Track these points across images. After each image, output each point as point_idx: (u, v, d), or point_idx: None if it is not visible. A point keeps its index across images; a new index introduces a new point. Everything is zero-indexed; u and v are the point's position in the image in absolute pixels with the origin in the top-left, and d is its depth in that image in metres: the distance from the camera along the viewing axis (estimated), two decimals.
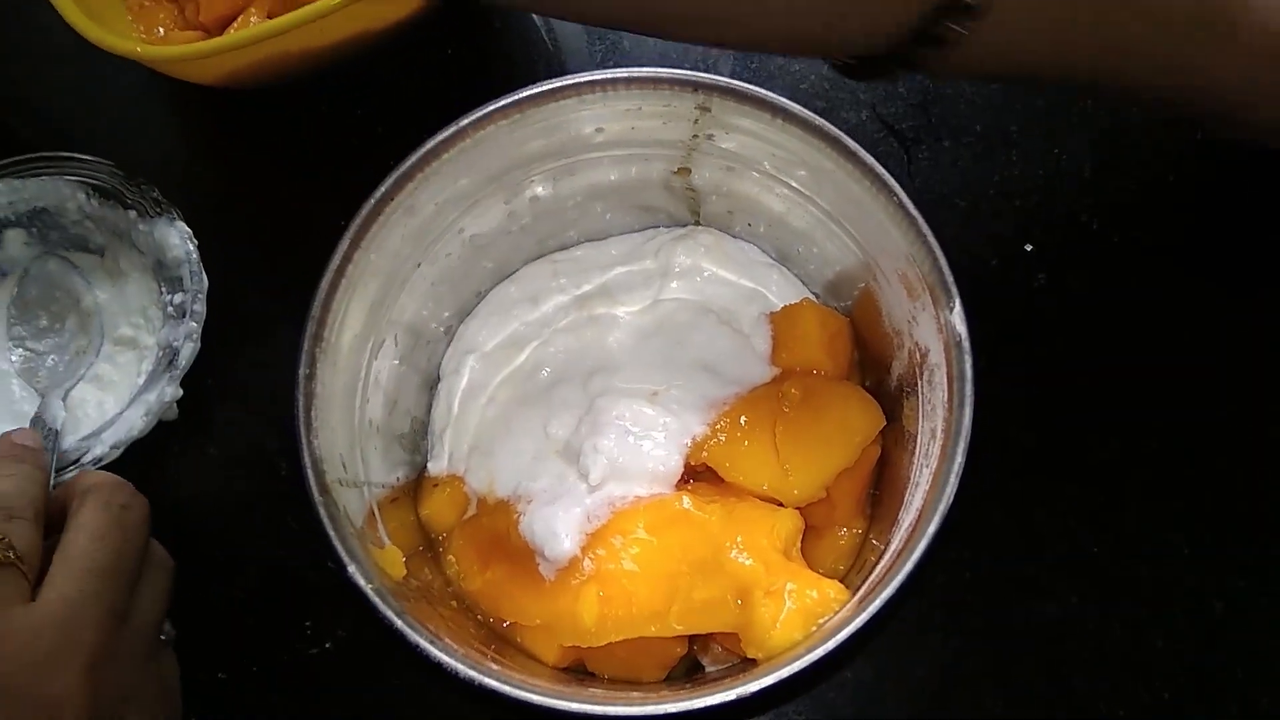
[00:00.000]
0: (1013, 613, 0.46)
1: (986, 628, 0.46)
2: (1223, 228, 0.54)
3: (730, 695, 0.33)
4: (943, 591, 0.47)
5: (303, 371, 0.38)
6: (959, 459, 0.35)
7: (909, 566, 0.34)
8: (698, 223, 0.49)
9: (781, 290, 0.47)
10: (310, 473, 0.36)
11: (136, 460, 0.46)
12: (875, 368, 0.46)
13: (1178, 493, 0.48)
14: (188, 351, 0.47)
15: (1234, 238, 0.54)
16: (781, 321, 0.46)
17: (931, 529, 0.34)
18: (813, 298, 0.47)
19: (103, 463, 0.46)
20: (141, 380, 0.49)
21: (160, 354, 0.49)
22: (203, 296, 0.48)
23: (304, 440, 0.37)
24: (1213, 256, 0.53)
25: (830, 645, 0.33)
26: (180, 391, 0.47)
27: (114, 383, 0.50)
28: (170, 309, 0.49)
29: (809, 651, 0.34)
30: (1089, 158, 0.55)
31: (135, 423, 0.46)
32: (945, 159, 0.57)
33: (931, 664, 0.46)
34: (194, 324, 0.48)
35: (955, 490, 0.34)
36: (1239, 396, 0.50)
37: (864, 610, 0.34)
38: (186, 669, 0.43)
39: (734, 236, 0.49)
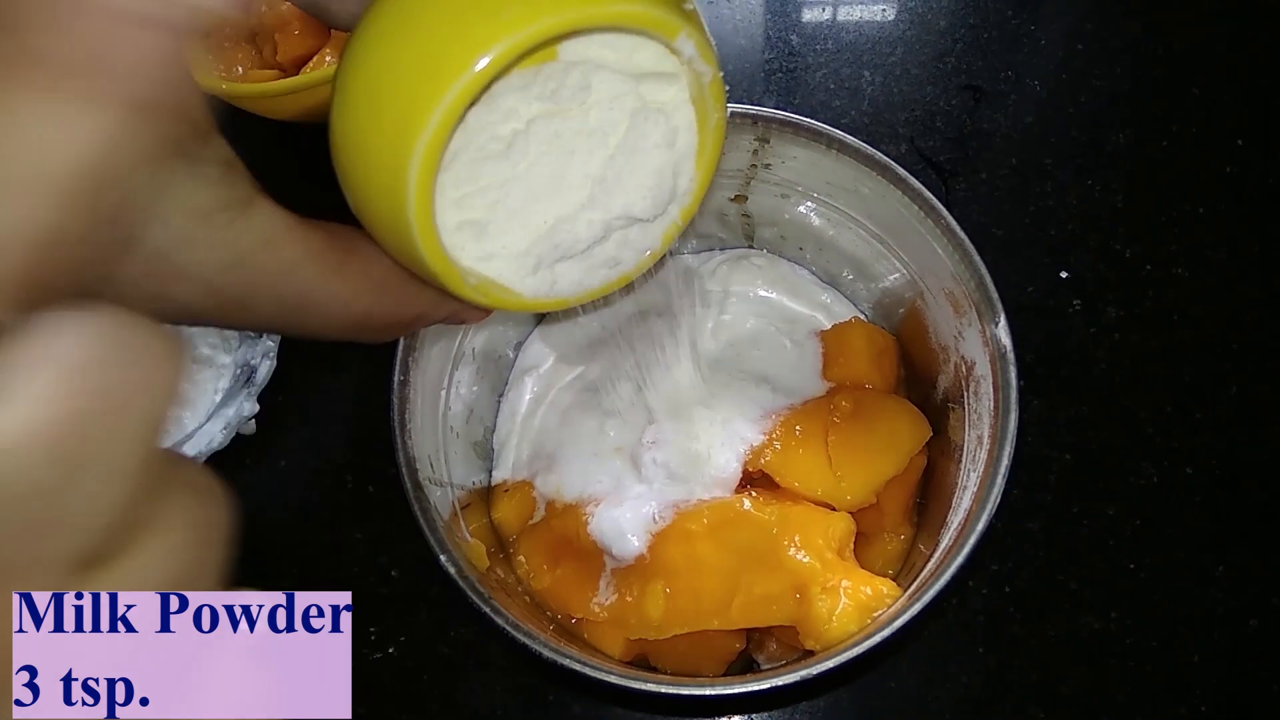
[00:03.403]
0: (1054, 626, 0.47)
1: (1028, 640, 0.47)
2: (1253, 257, 0.56)
3: (795, 677, 0.35)
4: (985, 603, 0.48)
5: (398, 378, 0.40)
6: (1005, 461, 0.37)
7: (960, 559, 0.36)
8: (751, 246, 0.52)
9: (831, 310, 0.49)
10: (405, 470, 0.38)
11: (215, 471, 0.49)
12: (921, 383, 0.48)
13: (1212, 515, 0.48)
14: (265, 369, 0.49)
15: (1263, 267, 0.55)
16: (832, 339, 0.48)
17: (980, 525, 0.36)
18: (861, 317, 0.49)
19: None
20: (219, 397, 0.50)
21: (238, 371, 0.50)
22: None
23: (399, 439, 0.39)
24: (1244, 283, 0.54)
25: (886, 633, 0.35)
26: (257, 407, 0.49)
27: (193, 400, 0.52)
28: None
29: (865, 639, 0.35)
30: (1121, 189, 0.57)
31: (215, 436, 0.47)
32: (982, 190, 0.59)
33: (974, 674, 0.46)
34: (270, 343, 0.50)
35: (1003, 490, 0.36)
36: (1275, 421, 0.51)
37: (916, 602, 0.36)
38: None
39: (786, 260, 0.51)
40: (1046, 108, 0.60)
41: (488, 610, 0.36)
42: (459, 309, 0.29)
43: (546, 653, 0.35)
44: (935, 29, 0.65)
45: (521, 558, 0.45)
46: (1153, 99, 0.59)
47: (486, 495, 0.48)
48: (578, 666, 0.35)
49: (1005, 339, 0.38)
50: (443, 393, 0.45)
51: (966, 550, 0.36)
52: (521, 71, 0.25)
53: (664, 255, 0.30)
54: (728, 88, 0.26)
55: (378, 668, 0.46)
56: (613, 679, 0.35)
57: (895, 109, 0.61)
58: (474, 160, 0.26)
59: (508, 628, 0.36)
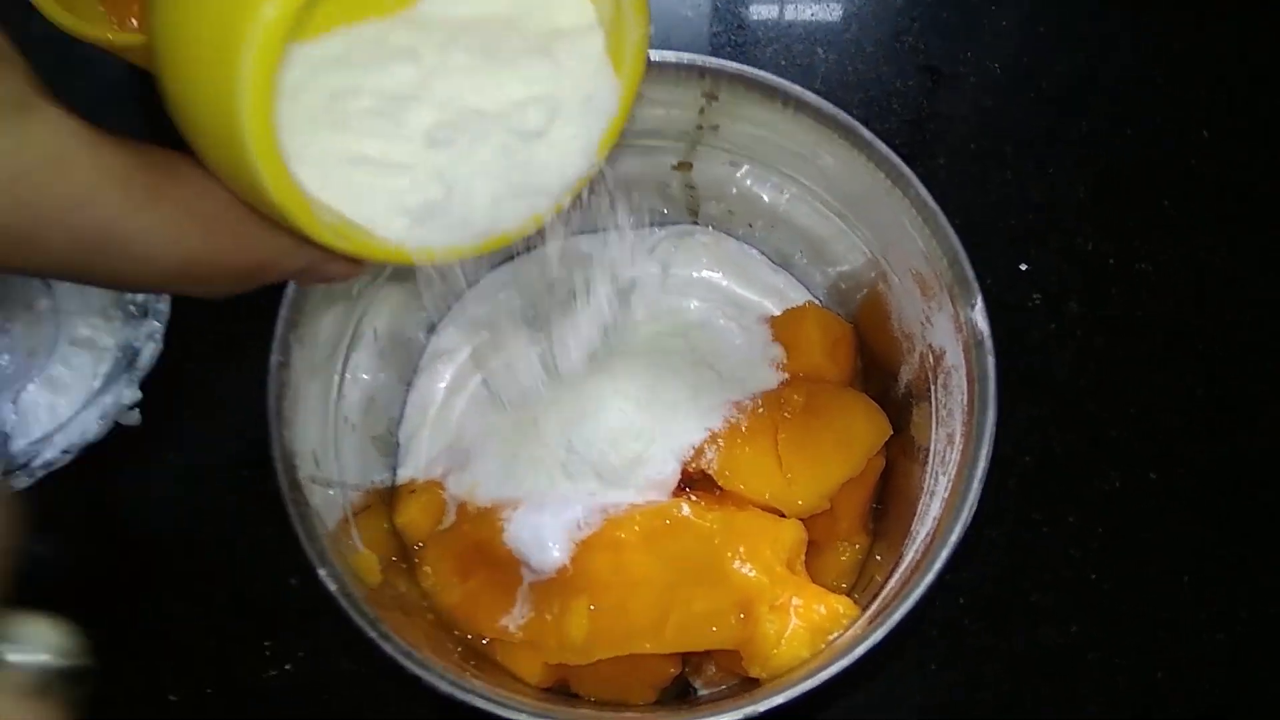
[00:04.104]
0: (1013, 640, 0.46)
1: (986, 654, 0.46)
2: (1220, 254, 0.54)
3: (737, 716, 0.30)
4: (941, 615, 0.46)
5: (276, 359, 0.35)
6: (982, 464, 0.33)
7: (929, 578, 0.32)
8: (696, 222, 0.48)
9: (783, 294, 0.47)
10: (280, 466, 0.34)
11: (94, 467, 0.45)
12: (880, 375, 0.45)
13: (1179, 522, 0.48)
14: (149, 352, 0.45)
15: (1232, 264, 0.54)
16: (783, 326, 0.45)
17: (953, 537, 0.33)
18: (815, 302, 0.46)
19: (54, 467, 0.44)
20: (98, 383, 0.47)
21: (119, 355, 0.47)
22: (167, 296, 0.46)
23: (275, 431, 0.34)
24: (1211, 281, 0.53)
25: (845, 663, 0.31)
26: (139, 395, 0.45)
27: (68, 385, 0.48)
28: (132, 307, 0.47)
29: (821, 669, 0.32)
30: (1084, 179, 0.55)
31: (90, 426, 0.44)
32: (940, 176, 0.56)
33: (930, 692, 0.45)
34: (156, 323, 0.46)
35: (979, 496, 0.33)
36: (1242, 425, 0.50)
37: (880, 625, 0.32)
38: (136, 689, 0.41)
39: (734, 238, 0.48)
40: (1007, 92, 0.58)
41: (374, 635, 0.32)
42: (318, 260, 0.25)
43: (444, 686, 0.31)
44: (892, 6, 0.62)
45: (428, 569, 0.42)
46: (1117, 87, 0.58)
47: (390, 497, 0.44)
48: (480, 703, 0.30)
49: (982, 324, 0.34)
50: (335, 378, 0.40)
51: (938, 566, 0.32)
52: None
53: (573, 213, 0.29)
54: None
55: (272, 687, 0.44)
56: (521, 717, 0.30)
57: (849, 89, 0.59)
58: (328, 85, 0.23)
59: (398, 656, 0.31)
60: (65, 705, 0.22)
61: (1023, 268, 0.54)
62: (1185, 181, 0.55)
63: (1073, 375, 0.50)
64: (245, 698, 0.44)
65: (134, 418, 0.46)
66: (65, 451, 0.44)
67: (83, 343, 0.49)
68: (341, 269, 0.27)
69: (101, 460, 0.45)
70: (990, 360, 0.34)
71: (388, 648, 0.32)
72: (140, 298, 0.47)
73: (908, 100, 0.60)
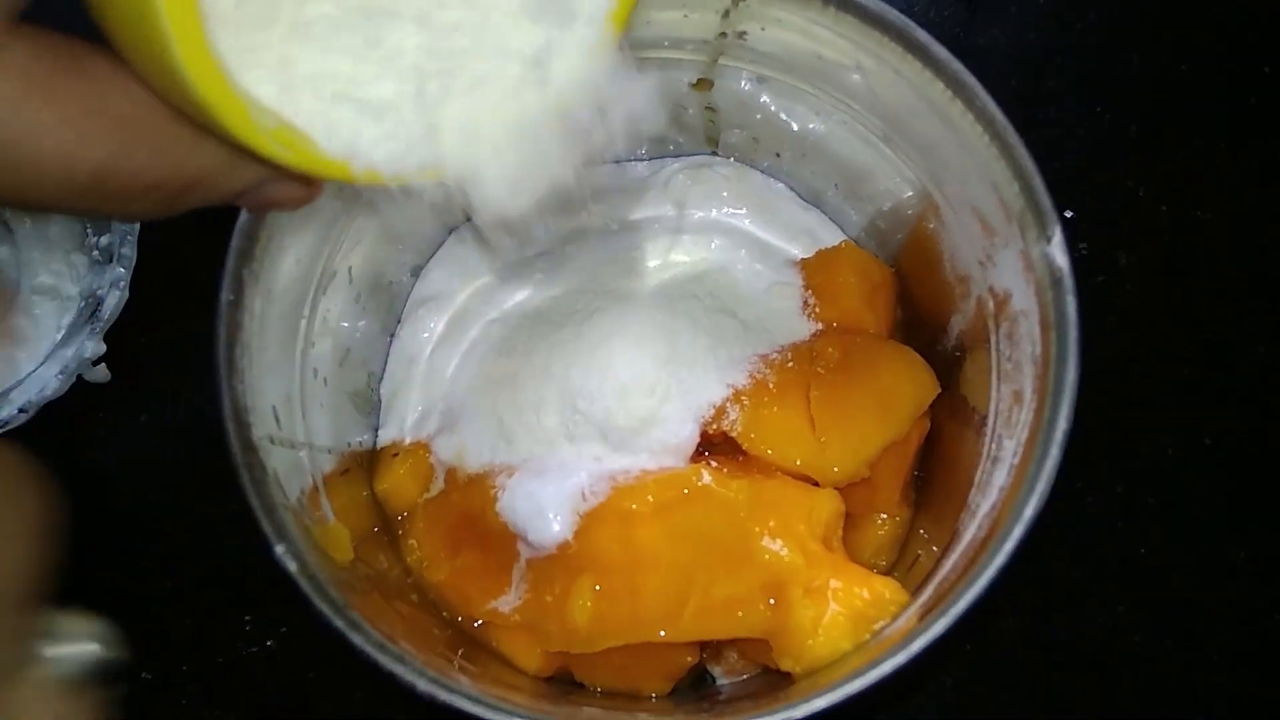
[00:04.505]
0: (1053, 620, 0.44)
1: (1023, 636, 0.44)
2: None
3: None
4: None
5: (226, 297, 0.31)
6: (1062, 424, 0.29)
7: (1000, 558, 0.28)
8: (715, 153, 0.44)
9: (815, 234, 0.43)
10: (230, 423, 0.30)
11: (56, 426, 0.44)
12: (925, 327, 0.41)
13: (1235, 494, 0.46)
14: (113, 301, 0.43)
15: None
16: (815, 270, 0.42)
17: (1028, 511, 0.28)
18: (851, 242, 0.43)
19: (8, 427, 0.42)
20: (61, 335, 0.45)
21: (83, 305, 0.45)
22: (133, 238, 0.43)
23: (224, 382, 0.30)
24: (1273, 228, 0.50)
25: (899, 659, 0.27)
26: (103, 347, 0.43)
27: (29, 338, 0.46)
28: (96, 252, 0.45)
29: (871, 667, 0.27)
30: (1135, 119, 0.53)
31: (49, 382, 0.42)
32: None
33: (959, 674, 0.43)
34: (121, 269, 0.43)
35: (1059, 460, 0.29)
36: None
37: (942, 614, 0.28)
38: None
39: (758, 170, 0.44)
40: (1051, 23, 0.55)
41: (340, 624, 0.28)
42: (262, 178, 0.23)
43: (422, 684, 0.27)
44: None
45: (412, 542, 0.39)
46: (1172, 17, 0.55)
47: (370, 461, 0.42)
48: (465, 704, 0.27)
49: (1061, 259, 0.30)
50: (301, 323, 0.36)
51: (1011, 544, 0.28)
52: None
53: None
54: None
55: (253, 664, 0.43)
56: (517, 718, 0.26)
57: None
58: None
59: (367, 648, 0.28)
60: (102, 702, 0.23)
61: (1068, 215, 0.51)
62: (1245, 121, 0.52)
63: (1122, 332, 0.48)
64: (223, 676, 0.43)
65: (101, 373, 0.45)
66: (22, 410, 0.42)
67: (46, 291, 0.47)
68: (292, 192, 0.25)
69: (63, 420, 0.44)
70: (1071, 302, 0.30)
71: (357, 638, 0.28)
72: (104, 241, 0.45)
73: (943, 32, 0.58)
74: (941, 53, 0.32)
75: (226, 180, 0.23)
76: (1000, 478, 0.31)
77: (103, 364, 0.44)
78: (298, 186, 0.25)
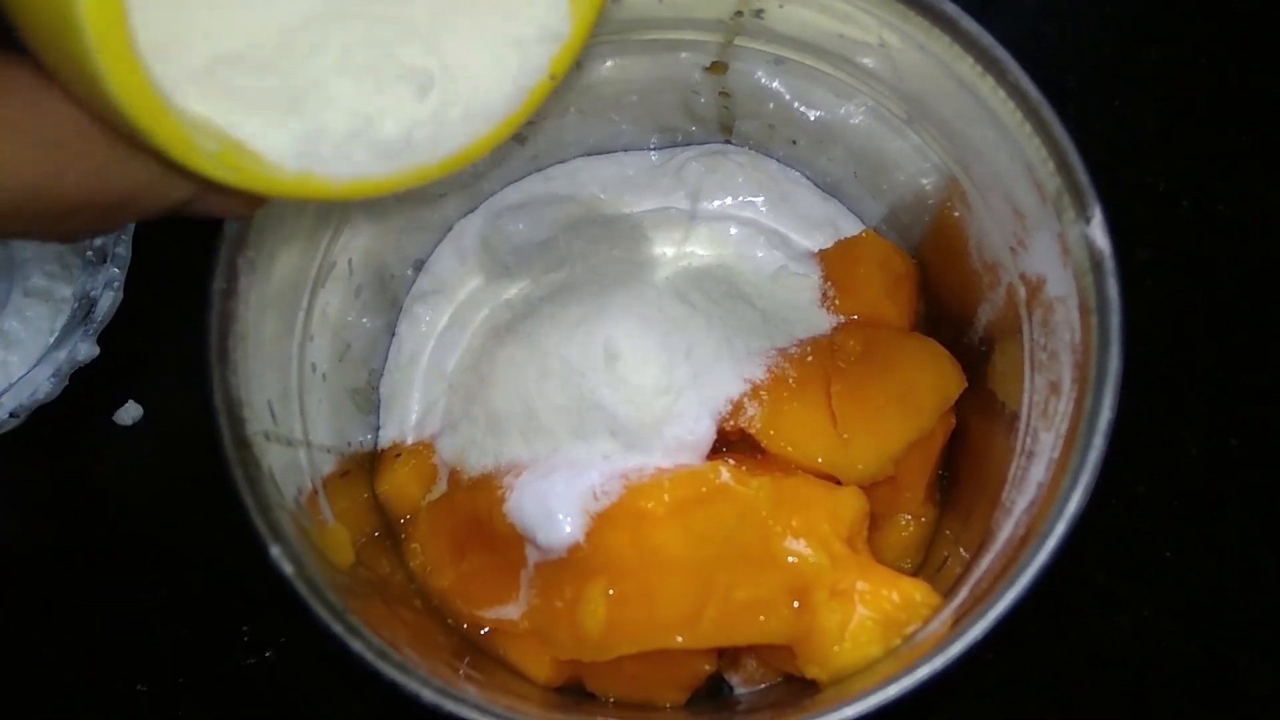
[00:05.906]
0: (1077, 624, 0.44)
1: (1047, 641, 0.44)
2: None
3: None
4: None
5: (218, 285, 0.30)
6: (1106, 412, 0.28)
7: (1043, 556, 0.27)
8: (729, 141, 0.43)
9: (835, 224, 0.42)
10: (223, 416, 0.29)
11: (48, 431, 0.44)
12: (949, 320, 0.40)
13: (1263, 493, 0.46)
14: (107, 302, 0.43)
15: None
16: (835, 261, 0.41)
17: (1072, 506, 0.27)
18: (872, 232, 0.42)
19: (2, 431, 0.42)
20: (53, 338, 0.45)
21: (76, 306, 0.45)
22: (127, 239, 0.43)
23: (216, 374, 0.29)
24: None
25: (934, 666, 0.26)
26: (97, 350, 0.43)
27: (21, 340, 0.46)
28: (90, 253, 0.45)
29: (904, 674, 0.26)
30: (1155, 113, 0.53)
31: (41, 385, 0.42)
32: None
33: (984, 681, 0.43)
34: (116, 270, 0.43)
35: (1103, 451, 0.27)
36: None
37: (979, 617, 0.26)
38: (100, 678, 0.40)
39: (774, 159, 0.43)
40: (1068, 15, 0.55)
41: (339, 630, 0.26)
42: (200, 192, 0.23)
43: (427, 694, 0.26)
44: None
45: (416, 546, 0.39)
46: (1192, 9, 0.55)
47: (371, 461, 0.41)
48: (471, 714, 0.26)
49: (1102, 241, 0.29)
50: (300, 315, 0.35)
51: (1054, 541, 0.26)
52: None
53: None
54: None
55: (251, 675, 0.43)
56: None
57: None
58: None
59: (368, 656, 0.26)
60: None
61: None
62: (1267, 115, 0.52)
63: (1143, 330, 0.50)
64: (222, 688, 0.43)
65: (130, 413, 0.45)
66: (13, 414, 0.42)
67: (38, 294, 0.47)
68: (232, 203, 0.24)
69: (57, 423, 0.44)
70: (1113, 284, 0.29)
71: (357, 645, 0.27)
72: (98, 241, 0.45)
73: None
74: (971, 25, 0.31)
75: (161, 196, 0.23)
76: (1038, 473, 0.30)
77: (129, 400, 0.45)
78: (238, 197, 0.24)
